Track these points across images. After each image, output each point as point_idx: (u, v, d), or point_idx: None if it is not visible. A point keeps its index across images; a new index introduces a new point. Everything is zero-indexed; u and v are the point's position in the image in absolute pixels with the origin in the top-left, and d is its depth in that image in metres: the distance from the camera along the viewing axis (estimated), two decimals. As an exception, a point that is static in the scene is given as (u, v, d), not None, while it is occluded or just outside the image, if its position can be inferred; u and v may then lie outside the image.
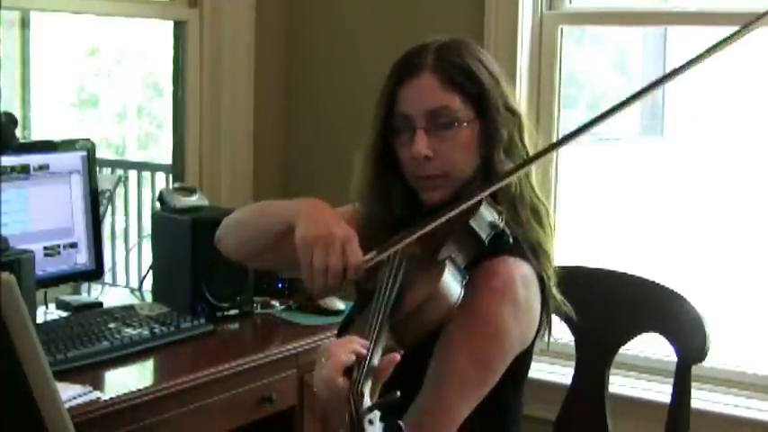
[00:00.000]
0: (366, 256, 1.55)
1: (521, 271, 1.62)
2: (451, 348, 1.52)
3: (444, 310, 1.48)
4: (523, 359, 1.65)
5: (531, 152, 1.71)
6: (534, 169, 1.72)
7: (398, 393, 1.23)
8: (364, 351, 1.34)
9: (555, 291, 1.69)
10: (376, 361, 1.32)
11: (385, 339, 1.39)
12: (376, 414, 1.22)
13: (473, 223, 1.58)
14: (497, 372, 1.57)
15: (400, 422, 1.20)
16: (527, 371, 1.71)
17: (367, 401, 1.24)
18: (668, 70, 1.56)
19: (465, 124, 1.66)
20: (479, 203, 1.59)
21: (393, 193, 1.73)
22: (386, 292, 1.47)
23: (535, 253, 1.67)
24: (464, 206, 1.56)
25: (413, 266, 1.54)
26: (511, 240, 1.63)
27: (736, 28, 1.60)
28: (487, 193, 1.60)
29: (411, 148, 1.65)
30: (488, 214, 1.60)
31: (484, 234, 1.59)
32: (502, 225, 1.61)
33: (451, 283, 1.49)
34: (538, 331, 1.67)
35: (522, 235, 1.66)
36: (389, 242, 1.58)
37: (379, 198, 1.74)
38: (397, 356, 1.34)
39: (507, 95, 1.71)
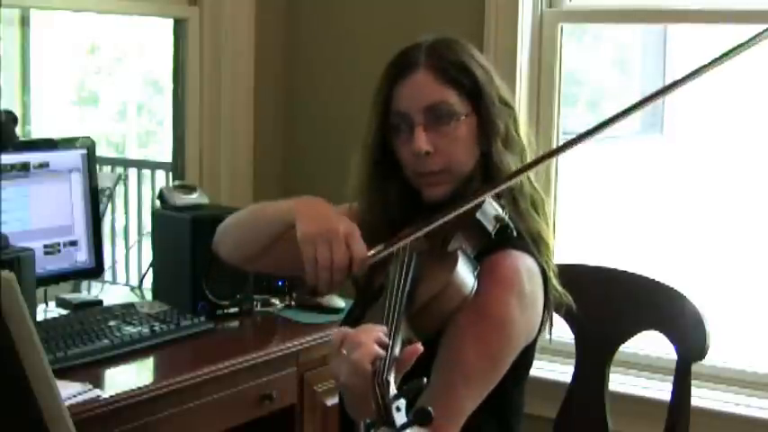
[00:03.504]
0: (371, 251, 1.56)
1: (525, 264, 1.63)
2: (459, 340, 1.53)
3: (460, 299, 1.50)
4: (527, 355, 1.66)
5: (527, 144, 1.74)
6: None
7: (425, 380, 1.24)
8: (387, 340, 1.34)
9: (555, 282, 1.70)
10: (397, 351, 1.33)
11: (404, 330, 1.40)
12: (402, 401, 1.23)
13: (480, 216, 1.60)
14: (503, 364, 1.58)
15: (429, 408, 1.19)
16: (530, 367, 1.72)
17: (393, 389, 1.25)
18: (681, 75, 1.59)
19: (463, 118, 1.68)
20: (482, 201, 1.61)
21: (392, 193, 1.74)
22: (399, 284, 1.48)
23: (536, 244, 1.69)
24: (471, 204, 1.59)
25: (423, 260, 1.55)
26: (515, 234, 1.65)
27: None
28: (496, 191, 1.62)
29: (411, 145, 1.66)
30: (493, 208, 1.63)
31: (490, 227, 1.62)
32: (506, 219, 1.63)
33: (465, 273, 1.51)
34: (541, 326, 1.68)
35: (523, 226, 1.68)
36: (396, 237, 1.59)
37: (378, 198, 1.74)
38: (420, 347, 1.33)
39: (501, 88, 1.73)
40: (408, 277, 1.50)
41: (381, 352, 1.31)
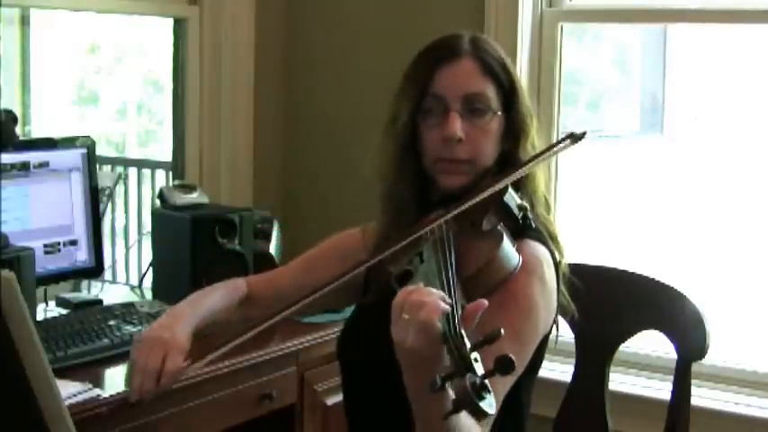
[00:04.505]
0: (185, 363, 1.68)
1: (544, 254, 1.66)
2: (487, 323, 1.53)
3: (506, 272, 1.53)
4: (540, 350, 1.67)
5: (538, 148, 1.76)
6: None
7: (501, 330, 1.23)
8: (449, 299, 1.34)
9: (563, 288, 1.71)
10: (460, 310, 1.33)
11: (460, 296, 1.40)
12: (477, 354, 1.23)
13: (507, 200, 1.63)
14: (530, 349, 1.60)
15: (510, 355, 1.19)
16: (539, 365, 1.72)
17: (467, 342, 1.25)
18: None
19: (498, 113, 1.70)
20: (507, 186, 1.63)
21: (411, 174, 1.74)
22: (445, 257, 1.49)
23: (553, 243, 1.72)
24: (504, 183, 1.62)
25: (456, 240, 1.56)
26: (533, 225, 1.67)
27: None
28: (524, 171, 1.67)
29: (443, 129, 1.67)
30: (515, 197, 1.65)
31: (516, 211, 1.64)
32: (528, 209, 1.65)
33: (509, 248, 1.54)
34: (553, 322, 1.69)
35: (540, 226, 1.71)
36: (420, 222, 1.61)
37: (402, 176, 1.75)
38: (485, 302, 1.33)
39: (526, 94, 1.77)
40: (452, 252, 1.51)
41: (447, 307, 1.30)
